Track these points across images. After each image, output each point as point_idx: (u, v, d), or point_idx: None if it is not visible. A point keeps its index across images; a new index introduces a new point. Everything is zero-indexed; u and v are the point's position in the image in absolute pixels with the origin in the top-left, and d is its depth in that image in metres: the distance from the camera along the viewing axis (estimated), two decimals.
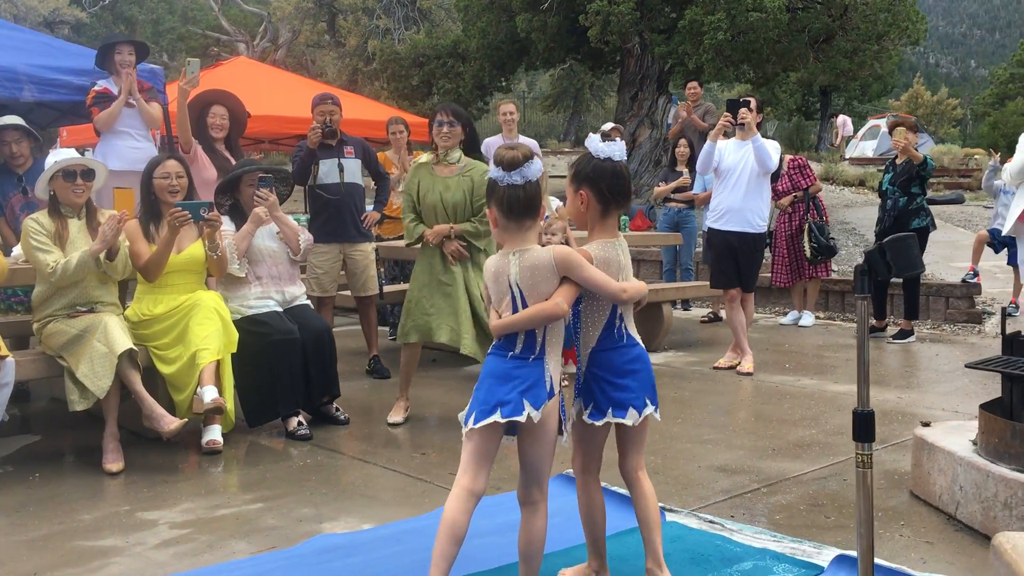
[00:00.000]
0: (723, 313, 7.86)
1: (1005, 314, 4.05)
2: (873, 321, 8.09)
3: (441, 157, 5.06)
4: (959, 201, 19.53)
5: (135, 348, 4.39)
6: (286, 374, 4.91)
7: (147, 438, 4.75)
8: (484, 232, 5.07)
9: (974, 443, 3.58)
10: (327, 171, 6.26)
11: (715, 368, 6.65)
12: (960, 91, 56.48)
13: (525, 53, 15.94)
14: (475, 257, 5.11)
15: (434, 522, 3.47)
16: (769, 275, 8.76)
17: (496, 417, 2.56)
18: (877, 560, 3.02)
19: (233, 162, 6.14)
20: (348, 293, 6.61)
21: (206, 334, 4.57)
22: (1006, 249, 9.11)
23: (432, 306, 5.03)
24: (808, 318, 8.52)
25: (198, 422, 4.70)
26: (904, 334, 7.84)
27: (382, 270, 6.75)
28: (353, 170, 6.42)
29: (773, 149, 6.42)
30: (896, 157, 7.96)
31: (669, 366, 6.81)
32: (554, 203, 6.87)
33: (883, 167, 8.81)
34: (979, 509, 3.31)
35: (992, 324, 8.54)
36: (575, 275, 2.67)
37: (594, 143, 2.79)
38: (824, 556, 3.13)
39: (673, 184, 9.31)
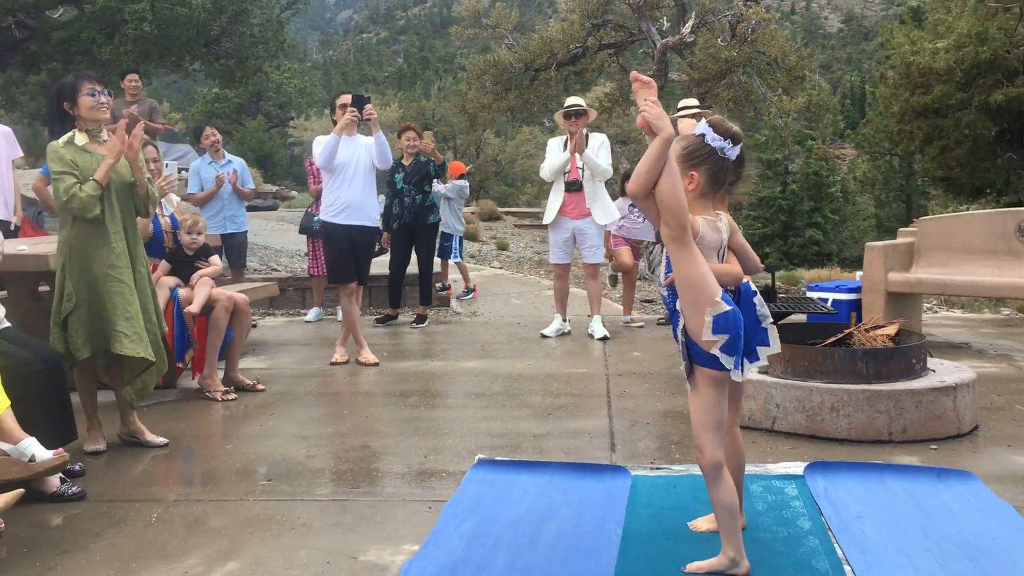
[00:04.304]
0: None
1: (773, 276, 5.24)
2: (388, 311, 8.88)
3: (95, 135, 4.41)
4: (274, 208, 22.47)
5: None
6: (37, 418, 3.70)
7: None
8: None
9: (765, 372, 4.69)
10: None
11: (332, 364, 6.65)
12: None
13: None
14: (137, 249, 4.43)
15: (498, 511, 3.28)
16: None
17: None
18: (834, 460, 3.94)
19: None
20: None
21: None
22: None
23: (110, 308, 4.19)
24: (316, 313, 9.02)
25: None
26: (422, 319, 8.74)
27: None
28: None
29: None
30: (403, 158, 8.77)
31: (289, 370, 6.58)
32: (175, 199, 6.09)
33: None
34: (803, 417, 4.42)
35: (455, 306, 10.00)
36: (736, 239, 2.99)
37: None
38: (770, 470, 3.90)
39: None
